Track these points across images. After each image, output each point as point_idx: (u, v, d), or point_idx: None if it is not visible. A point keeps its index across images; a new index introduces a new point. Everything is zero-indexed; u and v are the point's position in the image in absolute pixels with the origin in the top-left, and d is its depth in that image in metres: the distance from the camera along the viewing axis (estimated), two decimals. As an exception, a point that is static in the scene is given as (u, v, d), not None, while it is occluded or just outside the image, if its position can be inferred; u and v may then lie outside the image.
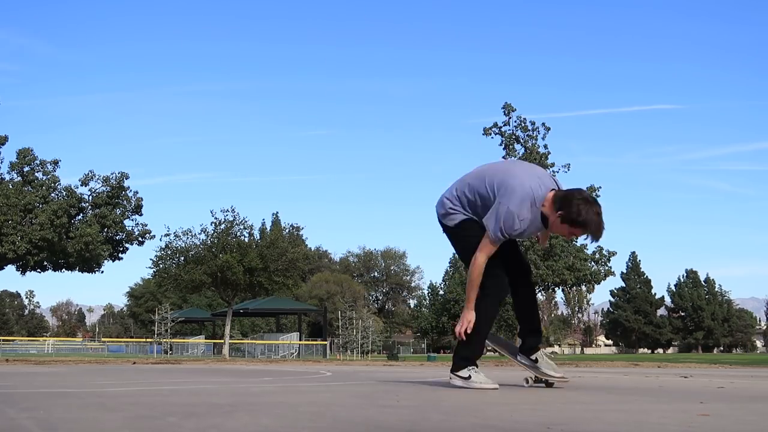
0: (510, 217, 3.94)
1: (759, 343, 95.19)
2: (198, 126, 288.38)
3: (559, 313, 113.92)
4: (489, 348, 4.69)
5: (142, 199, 29.47)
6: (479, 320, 4.14)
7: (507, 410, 2.84)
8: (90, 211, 28.43)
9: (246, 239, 30.87)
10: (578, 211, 3.88)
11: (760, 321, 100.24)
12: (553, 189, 4.07)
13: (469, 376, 4.11)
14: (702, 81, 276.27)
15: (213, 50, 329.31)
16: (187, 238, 30.41)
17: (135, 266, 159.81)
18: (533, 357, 4.38)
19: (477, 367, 4.19)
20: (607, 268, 30.44)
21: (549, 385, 4.34)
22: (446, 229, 4.35)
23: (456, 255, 5.57)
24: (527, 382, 4.39)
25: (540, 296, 76.65)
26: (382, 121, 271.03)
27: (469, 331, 4.11)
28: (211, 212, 31.35)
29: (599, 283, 31.09)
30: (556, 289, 35.17)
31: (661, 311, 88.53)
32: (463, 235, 4.25)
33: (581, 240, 4.51)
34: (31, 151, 28.15)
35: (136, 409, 2.77)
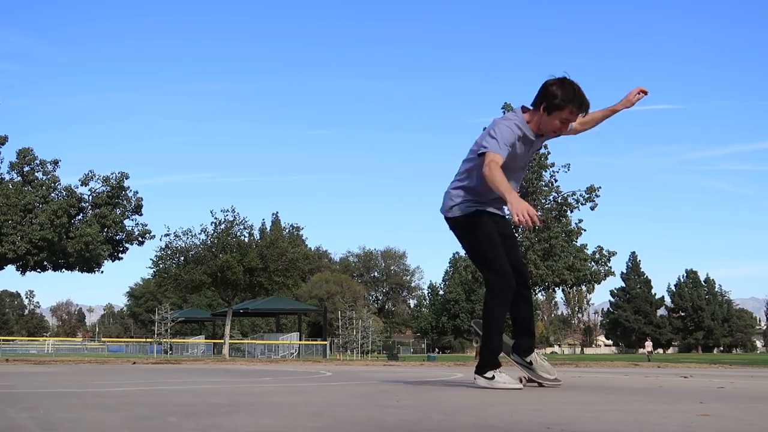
0: (502, 130, 3.88)
1: (759, 343, 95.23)
2: (198, 126, 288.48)
3: (559, 313, 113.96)
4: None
5: (142, 199, 29.51)
6: (492, 319, 4.14)
7: (507, 410, 2.84)
8: (90, 211, 28.44)
9: (246, 239, 30.88)
10: (554, 93, 3.83)
11: (760, 321, 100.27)
12: None
13: (493, 377, 4.08)
14: (702, 81, 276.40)
15: (213, 50, 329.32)
16: (187, 238, 30.44)
17: (135, 266, 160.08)
18: (528, 359, 4.34)
19: (500, 366, 4.16)
20: (607, 268, 30.43)
21: (540, 385, 4.34)
22: (451, 223, 4.31)
23: (463, 254, 5.51)
24: (521, 381, 4.31)
25: (540, 296, 76.71)
26: (381, 121, 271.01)
27: (538, 218, 3.71)
28: (211, 212, 31.45)
29: (599, 283, 31.08)
30: (556, 289, 35.14)
31: (661, 311, 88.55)
32: (467, 225, 4.21)
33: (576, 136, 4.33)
34: (31, 151, 28.16)
35: (136, 409, 2.77)
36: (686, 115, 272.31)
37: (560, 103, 3.83)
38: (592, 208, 30.37)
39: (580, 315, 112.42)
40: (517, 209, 3.59)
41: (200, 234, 30.39)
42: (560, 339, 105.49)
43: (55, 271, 28.80)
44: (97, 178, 28.70)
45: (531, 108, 3.97)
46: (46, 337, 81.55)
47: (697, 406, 3.07)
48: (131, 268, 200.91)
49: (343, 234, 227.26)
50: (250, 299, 39.74)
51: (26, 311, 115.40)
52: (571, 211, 30.57)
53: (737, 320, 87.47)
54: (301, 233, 33.94)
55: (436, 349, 71.93)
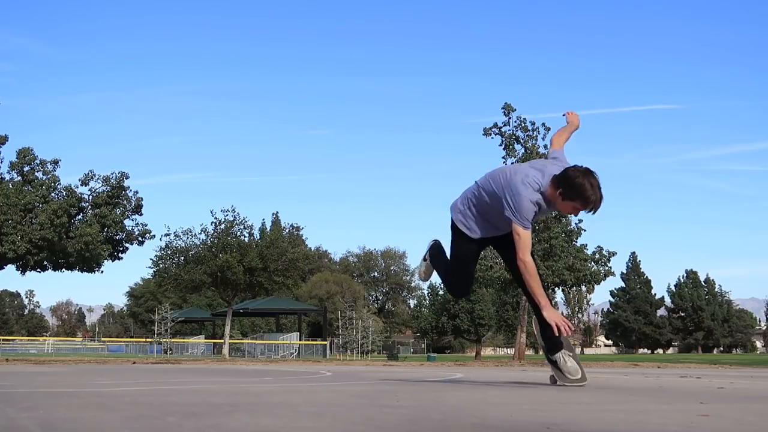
0: (525, 208, 4.20)
1: (759, 344, 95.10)
2: (198, 126, 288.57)
3: (559, 313, 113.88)
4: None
5: (142, 198, 29.45)
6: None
7: (507, 410, 2.84)
8: (90, 211, 28.39)
9: (246, 239, 30.84)
10: (575, 186, 4.11)
11: (760, 321, 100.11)
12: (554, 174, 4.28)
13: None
14: (702, 81, 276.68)
15: (213, 50, 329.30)
16: (187, 237, 30.42)
17: (135, 266, 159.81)
18: (553, 357, 4.61)
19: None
20: (607, 268, 30.34)
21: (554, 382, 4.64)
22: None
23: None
24: (551, 380, 4.63)
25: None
26: (382, 121, 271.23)
27: (572, 329, 4.36)
28: (211, 212, 31.33)
29: (599, 284, 30.99)
30: (556, 289, 35.09)
31: (661, 311, 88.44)
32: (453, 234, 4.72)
33: (581, 215, 4.96)
34: (31, 150, 28.13)
35: (136, 409, 2.77)
36: (686, 115, 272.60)
37: (577, 197, 4.14)
38: (592, 209, 30.31)
39: (580, 315, 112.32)
40: (553, 319, 4.27)
41: (200, 234, 30.37)
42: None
43: (55, 270, 28.77)
44: (97, 178, 28.64)
45: (552, 184, 4.22)
46: (46, 336, 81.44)
47: (697, 406, 3.07)
48: (131, 268, 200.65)
49: (343, 234, 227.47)
50: (250, 299, 39.71)
51: (26, 311, 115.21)
52: (571, 211, 30.53)
53: (737, 320, 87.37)
54: (301, 233, 33.92)
55: (442, 350, 71.82)
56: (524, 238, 4.22)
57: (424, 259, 5.04)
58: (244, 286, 31.27)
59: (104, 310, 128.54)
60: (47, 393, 3.83)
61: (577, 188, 4.10)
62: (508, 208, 4.22)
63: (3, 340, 54.45)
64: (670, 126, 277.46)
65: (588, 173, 4.15)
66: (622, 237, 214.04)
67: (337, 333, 39.49)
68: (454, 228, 4.65)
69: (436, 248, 5.00)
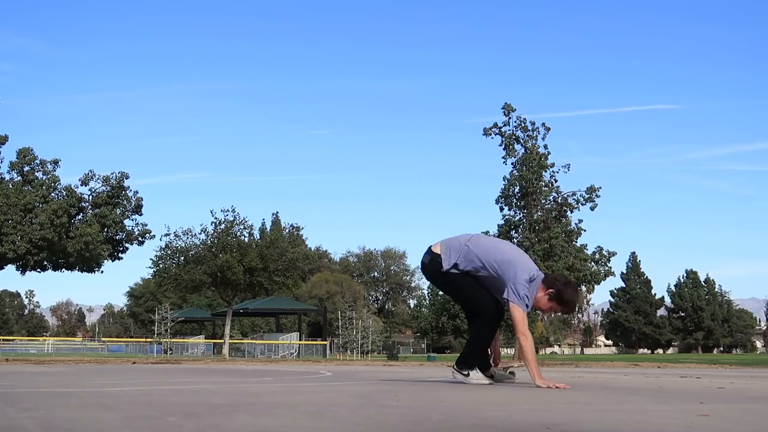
0: (525, 295, 4.64)
1: (759, 344, 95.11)
2: (198, 126, 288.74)
3: (559, 313, 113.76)
4: None
5: (142, 198, 29.45)
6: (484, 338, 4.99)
7: (507, 410, 2.84)
8: (90, 211, 28.38)
9: (246, 239, 30.83)
10: (565, 293, 4.77)
11: (760, 321, 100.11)
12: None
13: (468, 374, 4.91)
14: (702, 81, 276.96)
15: (213, 50, 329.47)
16: (187, 238, 30.40)
17: (135, 266, 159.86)
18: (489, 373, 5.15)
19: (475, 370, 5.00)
20: (607, 268, 30.31)
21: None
22: (437, 275, 5.02)
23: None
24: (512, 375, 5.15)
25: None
26: (382, 121, 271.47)
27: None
28: (211, 212, 31.33)
29: (599, 284, 30.96)
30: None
31: (661, 311, 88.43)
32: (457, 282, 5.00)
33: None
34: (31, 150, 28.12)
35: (136, 409, 2.77)
36: (686, 115, 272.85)
37: (565, 302, 4.81)
38: (592, 209, 30.25)
39: (580, 315, 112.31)
40: (546, 385, 4.44)
41: (200, 234, 30.35)
42: (560, 339, 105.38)
43: (55, 270, 28.76)
44: (97, 178, 28.63)
45: (544, 283, 4.78)
46: (46, 336, 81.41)
47: (697, 406, 3.07)
48: (131, 268, 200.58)
49: (343, 234, 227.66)
50: (250, 299, 39.70)
51: (26, 311, 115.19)
52: (571, 212, 30.47)
53: (737, 320, 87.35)
54: (301, 233, 33.91)
55: (442, 350, 71.80)
56: (524, 318, 4.63)
57: (466, 375, 4.95)
58: (244, 286, 31.26)
59: (104, 310, 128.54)
60: (47, 393, 3.83)
61: (569, 297, 4.78)
62: (511, 293, 4.63)
63: (3, 340, 54.47)
64: (670, 126, 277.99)
65: (574, 283, 4.96)
66: (622, 237, 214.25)
67: (337, 333, 39.49)
68: (448, 276, 4.92)
69: (461, 362, 5.01)
